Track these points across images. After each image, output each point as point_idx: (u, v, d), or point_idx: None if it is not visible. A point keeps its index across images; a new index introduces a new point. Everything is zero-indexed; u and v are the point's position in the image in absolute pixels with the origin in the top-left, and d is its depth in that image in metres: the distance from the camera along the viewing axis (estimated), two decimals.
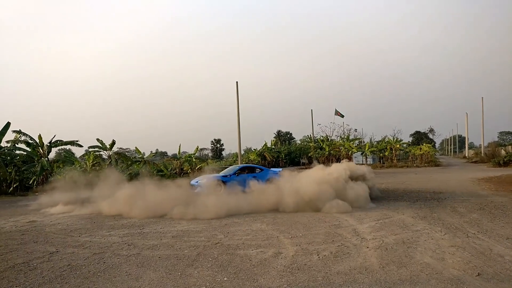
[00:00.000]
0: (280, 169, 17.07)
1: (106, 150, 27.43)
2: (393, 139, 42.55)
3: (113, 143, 27.08)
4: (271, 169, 16.87)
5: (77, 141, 25.04)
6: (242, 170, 15.85)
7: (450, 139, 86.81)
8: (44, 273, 5.11)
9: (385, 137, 46.23)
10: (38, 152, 23.39)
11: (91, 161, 26.68)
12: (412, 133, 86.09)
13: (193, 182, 15.39)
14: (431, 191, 13.64)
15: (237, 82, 29.53)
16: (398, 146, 39.62)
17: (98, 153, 27.75)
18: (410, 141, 74.42)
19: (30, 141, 23.15)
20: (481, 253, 5.48)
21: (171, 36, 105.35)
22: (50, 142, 23.94)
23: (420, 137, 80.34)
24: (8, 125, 21.96)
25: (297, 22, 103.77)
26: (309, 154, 43.76)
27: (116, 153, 28.68)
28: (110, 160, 27.70)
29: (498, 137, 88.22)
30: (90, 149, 26.93)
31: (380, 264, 5.12)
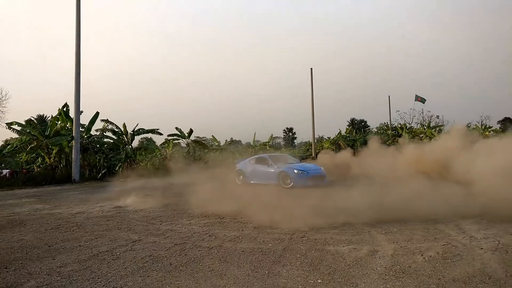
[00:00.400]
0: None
1: (184, 138, 28.29)
2: (481, 125, 38.23)
3: (191, 131, 27.78)
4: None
5: (157, 129, 26.10)
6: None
7: None
8: (127, 264, 4.89)
9: (469, 124, 41.73)
10: (123, 140, 24.79)
11: (170, 149, 27.71)
12: (501, 119, 76.91)
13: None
14: None
15: (311, 68, 28.56)
16: (487, 133, 35.47)
17: (177, 141, 28.75)
18: (499, 128, 66.68)
19: (116, 130, 24.59)
20: None
21: (253, 31, 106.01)
22: (133, 131, 25.22)
23: (510, 124, 71.33)
24: (97, 114, 23.51)
25: (376, 12, 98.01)
26: (387, 143, 41.15)
27: (194, 141, 29.45)
28: (188, 148, 28.57)
29: None
30: (169, 137, 27.90)
31: (506, 272, 4.06)
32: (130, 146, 25.03)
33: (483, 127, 37.72)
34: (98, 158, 24.01)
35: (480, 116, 40.83)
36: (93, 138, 23.91)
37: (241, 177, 15.36)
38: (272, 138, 34.60)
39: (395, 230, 6.25)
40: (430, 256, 4.72)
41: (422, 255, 4.80)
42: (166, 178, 20.28)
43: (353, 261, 4.69)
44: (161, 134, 26.69)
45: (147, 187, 15.86)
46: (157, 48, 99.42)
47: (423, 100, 41.63)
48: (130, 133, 25.06)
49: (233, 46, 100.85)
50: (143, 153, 27.00)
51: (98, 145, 24.62)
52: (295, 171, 13.41)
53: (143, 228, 7.20)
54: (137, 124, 25.28)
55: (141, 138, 31.55)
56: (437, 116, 48.41)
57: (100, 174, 23.33)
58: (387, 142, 39.67)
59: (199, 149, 29.89)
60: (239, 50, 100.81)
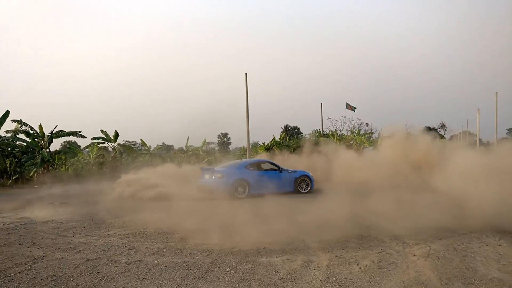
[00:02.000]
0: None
1: (110, 142, 26.46)
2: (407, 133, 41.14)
3: (117, 134, 26.08)
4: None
5: (79, 131, 24.03)
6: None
7: (460, 135, 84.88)
8: (21, 287, 4.07)
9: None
10: (38, 143, 22.45)
11: (94, 153, 25.76)
12: (422, 129, 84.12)
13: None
14: None
15: (246, 73, 28.36)
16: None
17: (102, 145, 26.81)
18: None
19: (30, 131, 22.19)
20: None
21: (178, 33, 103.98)
22: (51, 133, 22.98)
23: (429, 134, 78.33)
24: (7, 113, 21.03)
25: (309, 21, 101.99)
26: (319, 149, 42.40)
27: (121, 145, 27.72)
28: (114, 152, 26.77)
29: (506, 133, 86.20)
30: (94, 141, 25.92)
31: (440, 280, 4.01)
32: (47, 150, 22.72)
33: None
34: (9, 162, 21.46)
35: (405, 124, 43.95)
36: (3, 140, 21.27)
37: (242, 188, 12.16)
38: (206, 143, 33.81)
39: (329, 237, 6.07)
40: (366, 266, 4.56)
41: (358, 264, 4.63)
42: (88, 184, 18.70)
43: (287, 274, 4.37)
44: (84, 137, 24.59)
45: (65, 195, 14.36)
46: (85, 45, 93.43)
47: (353, 108, 43.70)
48: (48, 135, 22.73)
49: (167, 47, 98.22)
50: (62, 157, 24.74)
51: (9, 148, 21.99)
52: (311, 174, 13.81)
53: (51, 242, 6.24)
54: (56, 126, 23.05)
55: (64, 142, 28.99)
56: (367, 124, 51.26)
57: (10, 181, 20.85)
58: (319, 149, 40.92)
59: (127, 153, 28.22)
60: (173, 52, 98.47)
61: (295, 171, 13.50)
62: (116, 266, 4.77)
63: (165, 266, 4.78)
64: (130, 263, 4.90)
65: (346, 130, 46.98)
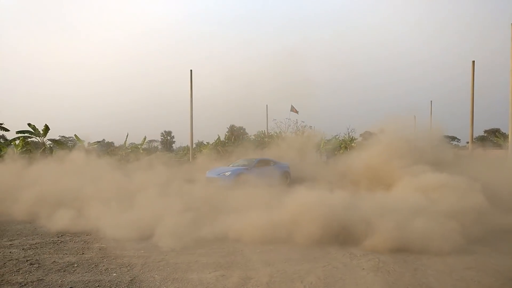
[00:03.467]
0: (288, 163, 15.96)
1: (39, 136, 24.09)
2: (348, 137, 42.37)
3: (47, 128, 23.79)
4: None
5: (1, 123, 21.54)
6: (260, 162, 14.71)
7: None
8: None
9: (336, 135, 45.93)
10: None
11: (19, 148, 23.29)
12: (362, 132, 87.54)
13: (213, 173, 13.63)
14: None
15: (191, 70, 27.40)
16: (353, 145, 39.24)
17: (29, 139, 24.34)
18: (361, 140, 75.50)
19: None
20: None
21: (120, 24, 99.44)
22: None
23: (370, 137, 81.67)
24: None
25: (253, 15, 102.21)
26: (264, 150, 42.32)
27: (52, 140, 25.38)
28: (43, 147, 24.42)
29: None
30: (18, 134, 23.42)
31: None
32: None
33: (350, 138, 41.64)
34: None
35: (347, 128, 45.06)
36: None
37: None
38: (146, 140, 32.17)
39: (271, 248, 5.48)
40: (311, 283, 4.01)
41: (302, 281, 4.06)
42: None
43: None
44: (7, 130, 22.12)
45: None
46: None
47: (297, 111, 44.14)
48: None
49: (111, 45, 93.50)
50: None
51: None
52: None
53: None
54: None
55: None
56: (310, 127, 52.05)
57: None
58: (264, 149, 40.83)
59: (58, 149, 25.92)
60: (118, 47, 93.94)
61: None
62: None
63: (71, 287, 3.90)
64: (25, 284, 3.95)
65: (291, 132, 47.44)
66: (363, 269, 4.45)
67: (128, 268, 4.54)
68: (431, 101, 43.87)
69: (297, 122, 48.47)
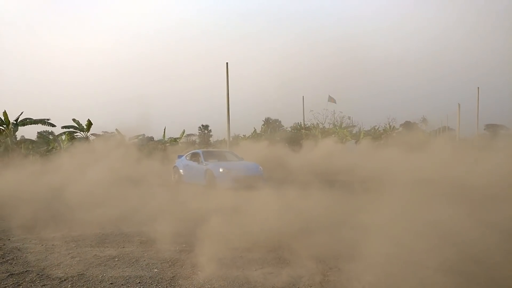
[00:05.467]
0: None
1: (82, 131, 24.89)
2: (389, 127, 40.90)
3: (90, 123, 24.50)
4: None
5: (48, 119, 22.37)
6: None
7: (438, 131, 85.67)
8: None
9: (375, 126, 44.31)
10: (3, 131, 20.77)
11: (65, 143, 24.16)
12: (402, 123, 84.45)
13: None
14: None
15: (227, 63, 27.17)
16: (394, 134, 37.85)
17: (74, 134, 25.22)
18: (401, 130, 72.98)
19: None
20: None
21: (157, 17, 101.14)
22: (16, 120, 21.29)
23: (410, 128, 78.63)
24: None
25: (293, 11, 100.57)
26: (301, 141, 41.59)
27: (94, 134, 26.19)
28: (88, 142, 25.24)
29: (484, 129, 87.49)
30: (64, 129, 24.29)
31: None
32: (13, 138, 21.09)
33: (391, 128, 40.45)
34: None
35: (388, 118, 43.61)
36: None
37: (176, 175, 13.15)
38: (185, 134, 32.48)
39: (319, 241, 5.04)
40: (370, 283, 3.54)
41: (359, 281, 3.60)
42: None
43: None
44: (53, 125, 22.95)
45: None
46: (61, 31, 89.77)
47: (334, 101, 43.06)
48: (13, 123, 21.05)
49: (145, 39, 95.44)
50: (29, 147, 23.05)
51: None
52: (221, 169, 11.01)
53: None
54: (22, 113, 21.37)
55: (43, 131, 27.10)
56: (349, 117, 50.58)
57: None
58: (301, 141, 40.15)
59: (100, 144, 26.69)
60: (152, 44, 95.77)
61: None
62: (44, 285, 3.63)
63: (111, 283, 3.68)
64: (65, 280, 3.77)
65: (329, 123, 46.31)
66: (427, 267, 3.87)
67: (170, 263, 4.28)
68: (478, 87, 41.09)
69: (334, 113, 47.34)
